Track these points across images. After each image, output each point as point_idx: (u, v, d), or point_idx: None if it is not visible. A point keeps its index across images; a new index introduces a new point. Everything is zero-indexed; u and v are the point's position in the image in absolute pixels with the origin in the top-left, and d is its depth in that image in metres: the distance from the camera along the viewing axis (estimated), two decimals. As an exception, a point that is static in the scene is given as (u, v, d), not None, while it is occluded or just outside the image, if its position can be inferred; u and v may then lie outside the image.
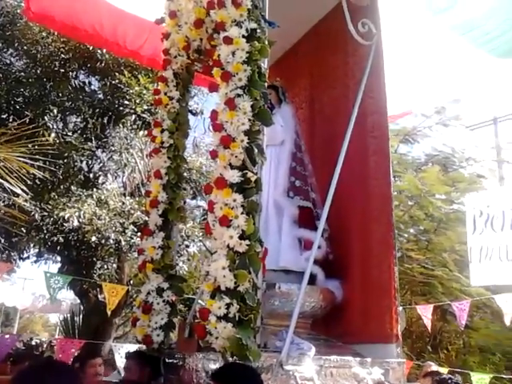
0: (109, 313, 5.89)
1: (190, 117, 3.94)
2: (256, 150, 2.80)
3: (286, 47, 4.90)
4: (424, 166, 10.54)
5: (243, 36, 2.91)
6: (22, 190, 4.60)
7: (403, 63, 5.76)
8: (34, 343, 13.54)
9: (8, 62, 8.27)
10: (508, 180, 9.85)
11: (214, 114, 2.91)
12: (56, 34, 7.41)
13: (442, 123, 10.32)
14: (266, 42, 3.01)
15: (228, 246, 2.66)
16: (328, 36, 4.42)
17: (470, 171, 10.19)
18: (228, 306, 2.54)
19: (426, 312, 6.43)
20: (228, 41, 2.91)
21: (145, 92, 7.65)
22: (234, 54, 2.89)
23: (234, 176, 2.72)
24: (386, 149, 3.83)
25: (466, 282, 7.45)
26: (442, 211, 9.39)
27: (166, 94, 3.74)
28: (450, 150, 10.36)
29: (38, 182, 6.73)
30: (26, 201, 6.33)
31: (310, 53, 4.69)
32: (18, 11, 7.64)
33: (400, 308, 6.69)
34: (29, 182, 4.86)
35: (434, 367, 5.16)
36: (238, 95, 2.82)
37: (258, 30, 2.98)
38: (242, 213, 2.68)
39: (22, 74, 7.98)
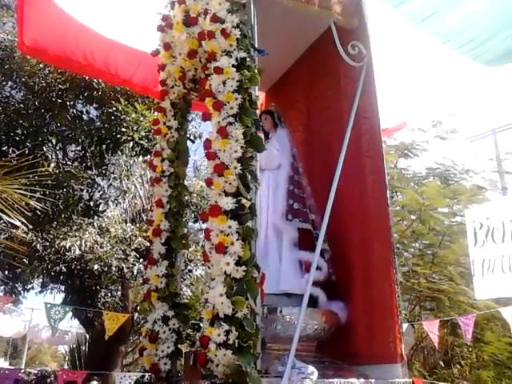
0: (106, 338, 5.86)
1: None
2: (249, 177, 2.81)
3: (280, 72, 4.95)
4: (425, 179, 10.51)
5: (233, 65, 2.95)
6: (22, 222, 4.61)
7: (397, 78, 5.80)
8: (40, 374, 13.42)
9: (7, 94, 8.40)
10: (510, 191, 9.82)
11: (208, 143, 2.94)
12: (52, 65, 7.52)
13: (440, 136, 10.34)
14: (256, 70, 3.05)
15: (225, 272, 2.65)
16: (320, 59, 4.45)
17: (471, 183, 10.17)
18: (227, 332, 2.52)
19: (432, 327, 6.37)
20: (218, 71, 2.95)
21: (142, 119, 7.73)
22: (224, 83, 2.92)
23: (228, 203, 2.73)
24: (381, 167, 3.84)
25: (472, 294, 7.37)
26: (445, 224, 9.34)
27: (164, 123, 3.77)
28: (451, 163, 10.35)
29: (39, 213, 6.76)
30: (26, 233, 6.34)
31: (304, 77, 4.71)
32: (15, 45, 7.79)
33: (406, 325, 6.65)
34: (28, 214, 4.87)
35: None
36: (230, 123, 2.85)
37: (248, 59, 3.01)
38: (238, 239, 2.68)
39: (21, 105, 8.09)
